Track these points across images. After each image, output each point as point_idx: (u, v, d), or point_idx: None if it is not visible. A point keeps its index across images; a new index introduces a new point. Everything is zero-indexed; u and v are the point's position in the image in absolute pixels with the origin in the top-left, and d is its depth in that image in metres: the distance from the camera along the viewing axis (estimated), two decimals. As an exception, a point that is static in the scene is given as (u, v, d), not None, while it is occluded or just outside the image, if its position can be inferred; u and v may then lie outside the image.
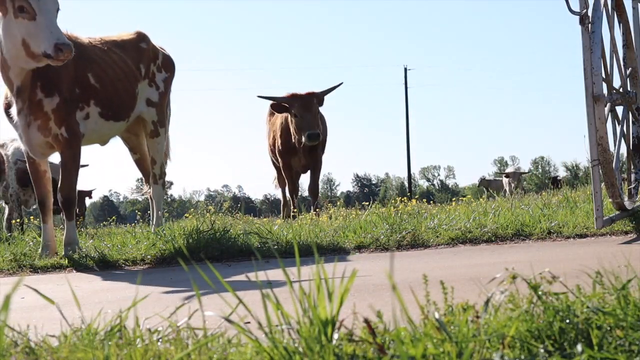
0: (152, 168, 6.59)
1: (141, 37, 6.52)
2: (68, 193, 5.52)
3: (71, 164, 5.52)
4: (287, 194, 9.74)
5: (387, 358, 1.38)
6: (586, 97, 4.52)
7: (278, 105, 8.64)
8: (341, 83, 8.92)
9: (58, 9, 5.05)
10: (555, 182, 21.04)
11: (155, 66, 6.52)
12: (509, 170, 20.19)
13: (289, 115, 8.69)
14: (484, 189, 22.26)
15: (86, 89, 5.65)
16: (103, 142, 6.75)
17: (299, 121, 8.51)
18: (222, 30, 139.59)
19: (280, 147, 9.10)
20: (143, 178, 7.06)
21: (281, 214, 10.37)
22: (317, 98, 8.62)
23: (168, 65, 6.69)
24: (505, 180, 19.09)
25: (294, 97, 8.60)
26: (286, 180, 9.43)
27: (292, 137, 8.77)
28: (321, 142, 9.07)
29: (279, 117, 9.17)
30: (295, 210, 8.83)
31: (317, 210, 8.61)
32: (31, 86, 5.27)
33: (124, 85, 6.07)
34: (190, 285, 3.46)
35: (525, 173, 20.54)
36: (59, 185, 5.57)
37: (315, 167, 9.14)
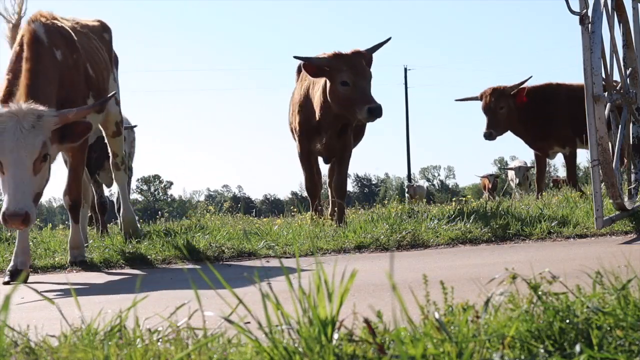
0: (114, 158, 6.35)
1: (104, 27, 6.13)
2: (77, 196, 5.24)
3: (80, 167, 5.29)
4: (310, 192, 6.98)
5: (387, 358, 1.38)
6: (586, 97, 4.52)
7: (313, 66, 6.28)
8: (389, 38, 6.62)
9: (43, 158, 4.30)
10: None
11: (112, 61, 6.14)
12: (514, 164, 19.49)
13: (325, 82, 6.30)
14: (409, 196, 20.86)
15: (87, 80, 5.30)
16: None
17: (349, 91, 6.09)
18: (222, 30, 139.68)
19: (297, 126, 6.77)
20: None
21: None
22: (365, 58, 6.32)
23: (117, 62, 6.37)
24: (510, 173, 18.61)
25: (338, 58, 6.24)
26: (303, 172, 6.92)
27: (315, 112, 6.50)
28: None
29: (300, 87, 6.87)
30: (314, 213, 6.73)
31: (339, 216, 6.52)
32: None
33: (108, 74, 5.77)
34: (190, 285, 3.46)
35: (532, 167, 19.46)
36: (66, 188, 5.21)
37: (342, 156, 6.76)
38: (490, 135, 8.29)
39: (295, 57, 6.52)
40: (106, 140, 6.37)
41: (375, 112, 5.93)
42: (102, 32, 6.04)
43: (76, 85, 5.06)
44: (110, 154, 6.43)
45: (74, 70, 5.06)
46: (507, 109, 8.27)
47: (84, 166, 5.47)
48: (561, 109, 8.29)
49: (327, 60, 6.21)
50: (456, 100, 9.94)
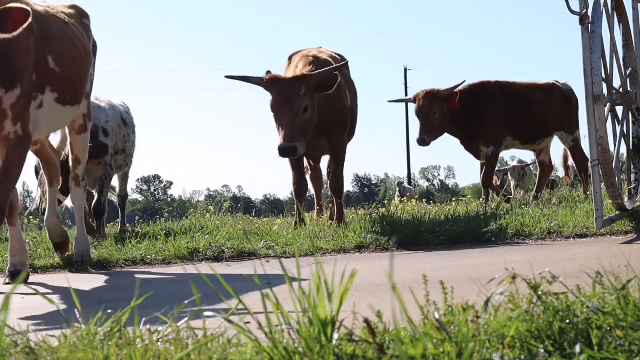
0: (75, 168, 5.31)
1: (83, 13, 5.37)
2: (4, 200, 4.14)
3: (17, 166, 4.30)
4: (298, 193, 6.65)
5: (387, 358, 1.38)
6: (586, 97, 4.52)
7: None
8: (347, 62, 6.54)
9: None
10: None
11: (93, 49, 5.41)
12: (510, 164, 19.33)
13: None
14: (400, 196, 20.78)
15: (43, 74, 4.47)
16: (52, 132, 5.45)
17: (275, 120, 5.94)
18: (222, 30, 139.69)
19: None
20: (45, 176, 5.61)
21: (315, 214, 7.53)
22: (308, 84, 5.84)
23: (96, 50, 5.54)
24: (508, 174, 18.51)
25: (271, 82, 5.93)
26: (291, 169, 6.57)
27: None
28: (347, 123, 6.60)
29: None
30: (303, 215, 6.71)
31: (338, 216, 6.48)
32: None
33: (85, 64, 5.05)
34: (190, 285, 3.46)
35: (528, 165, 19.10)
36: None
37: (335, 155, 6.60)
38: (423, 141, 8.05)
39: (227, 77, 6.40)
40: (69, 140, 5.32)
41: (281, 151, 5.74)
42: (81, 18, 5.28)
43: (26, 63, 4.25)
44: (71, 162, 5.36)
45: (26, 50, 4.23)
46: (441, 113, 8.05)
47: (22, 167, 4.43)
48: (493, 108, 8.14)
49: (260, 81, 6.01)
50: (389, 101, 9.92)
